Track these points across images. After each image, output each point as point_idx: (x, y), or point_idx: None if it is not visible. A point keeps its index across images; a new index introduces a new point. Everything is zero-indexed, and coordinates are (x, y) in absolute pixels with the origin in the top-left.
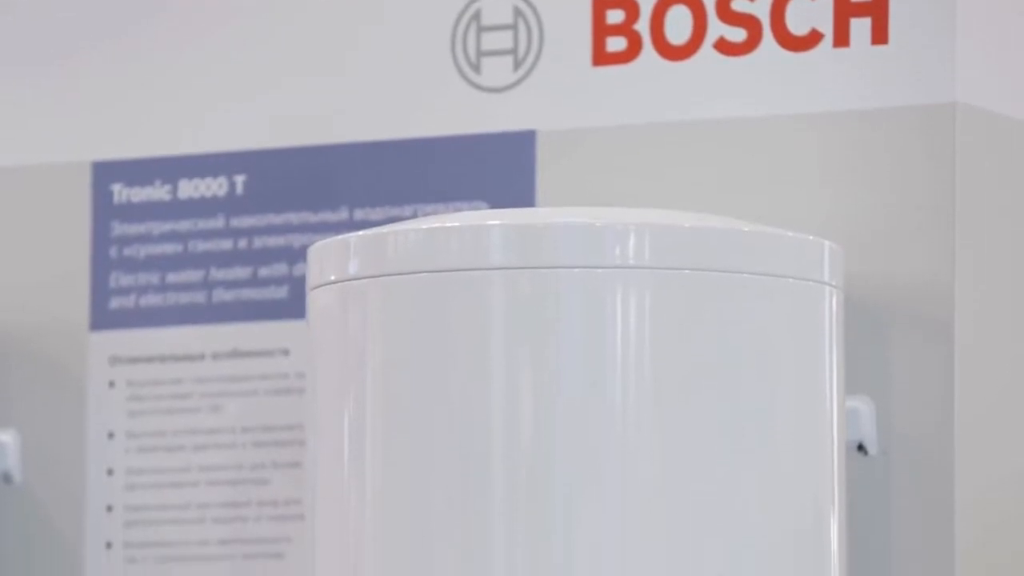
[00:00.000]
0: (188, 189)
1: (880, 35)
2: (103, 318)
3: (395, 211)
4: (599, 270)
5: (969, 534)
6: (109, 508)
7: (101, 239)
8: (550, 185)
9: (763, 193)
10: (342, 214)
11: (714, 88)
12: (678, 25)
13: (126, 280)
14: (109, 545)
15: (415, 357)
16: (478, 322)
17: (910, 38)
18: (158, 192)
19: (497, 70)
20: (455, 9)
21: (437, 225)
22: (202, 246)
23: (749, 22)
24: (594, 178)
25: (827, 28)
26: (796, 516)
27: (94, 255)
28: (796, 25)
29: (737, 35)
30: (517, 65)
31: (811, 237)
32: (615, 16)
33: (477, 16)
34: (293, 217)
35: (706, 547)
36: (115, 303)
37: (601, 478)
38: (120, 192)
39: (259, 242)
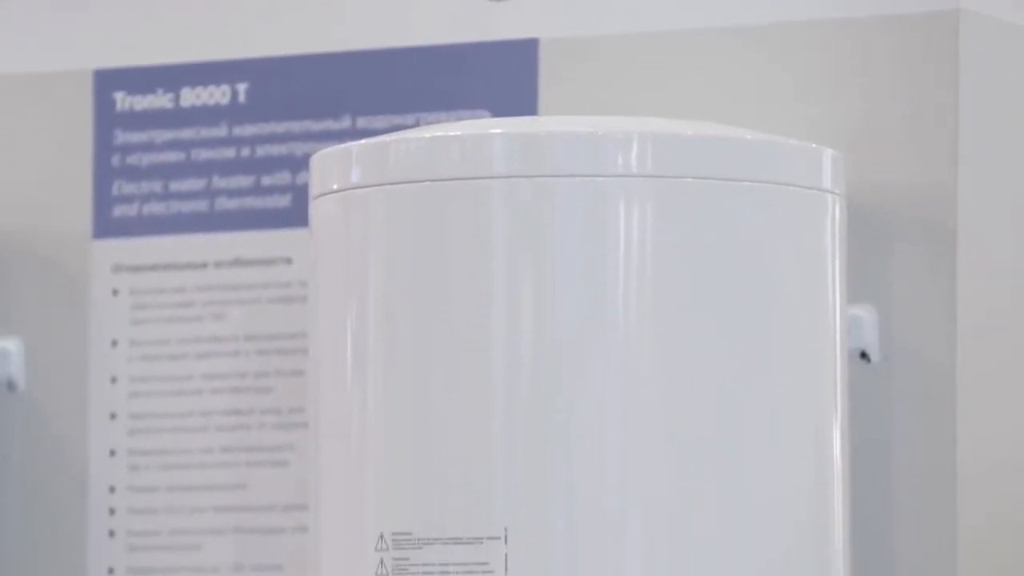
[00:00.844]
0: (191, 97)
1: None
2: (106, 226)
3: (398, 119)
4: (600, 179)
5: (971, 438)
6: (112, 416)
7: (103, 148)
8: (552, 94)
9: (766, 101)
10: (345, 122)
11: None
12: None
13: (129, 188)
14: (113, 452)
15: (417, 265)
16: (479, 230)
17: None
18: (160, 100)
19: None
20: None
21: (439, 134)
22: (205, 154)
23: None
24: (596, 87)
25: None
26: (799, 422)
27: (97, 164)
28: None
29: None
30: None
31: (813, 145)
32: None
33: None
34: (295, 125)
35: (708, 457)
36: (118, 211)
37: (601, 386)
38: (122, 100)
39: (262, 150)
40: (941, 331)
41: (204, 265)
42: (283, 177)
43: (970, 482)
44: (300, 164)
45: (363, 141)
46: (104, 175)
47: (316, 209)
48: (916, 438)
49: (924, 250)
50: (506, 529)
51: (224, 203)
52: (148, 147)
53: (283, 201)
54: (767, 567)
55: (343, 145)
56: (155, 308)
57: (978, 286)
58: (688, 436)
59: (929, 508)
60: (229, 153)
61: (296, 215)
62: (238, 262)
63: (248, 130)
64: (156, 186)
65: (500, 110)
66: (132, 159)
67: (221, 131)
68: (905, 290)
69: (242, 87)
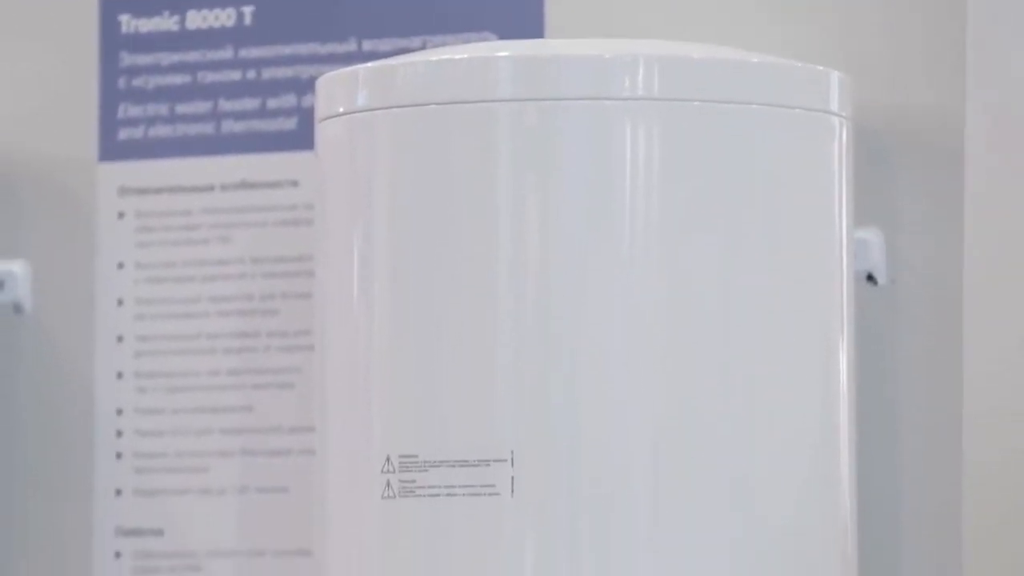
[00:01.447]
0: (196, 20)
1: None
2: (112, 149)
3: (403, 42)
4: (607, 102)
5: (977, 360)
6: (119, 338)
7: (109, 70)
8: (559, 16)
9: (773, 23)
10: (350, 45)
11: None
12: None
13: (135, 111)
14: (119, 375)
15: (422, 188)
16: (485, 154)
17: None
18: (166, 23)
19: None
20: None
21: (445, 57)
22: (210, 77)
23: None
24: (603, 9)
25: None
26: (805, 344)
27: (102, 86)
28: None
29: None
30: None
31: (820, 67)
32: None
33: None
34: (301, 48)
35: (713, 377)
36: (124, 134)
37: (607, 309)
38: (128, 23)
39: (267, 73)
40: (948, 254)
41: (210, 188)
42: (289, 100)
43: (976, 403)
44: (306, 87)
45: (369, 64)
46: (110, 98)
47: (322, 132)
48: (922, 360)
49: (931, 173)
50: (512, 452)
51: (230, 126)
52: (154, 70)
53: (289, 124)
54: (773, 486)
55: (349, 68)
56: (161, 231)
57: (985, 209)
58: (693, 358)
59: (935, 430)
60: (235, 76)
61: (302, 138)
62: (244, 185)
63: (254, 53)
64: (162, 109)
65: (506, 33)
66: (138, 82)
67: (227, 53)
68: (912, 213)
69: (248, 9)
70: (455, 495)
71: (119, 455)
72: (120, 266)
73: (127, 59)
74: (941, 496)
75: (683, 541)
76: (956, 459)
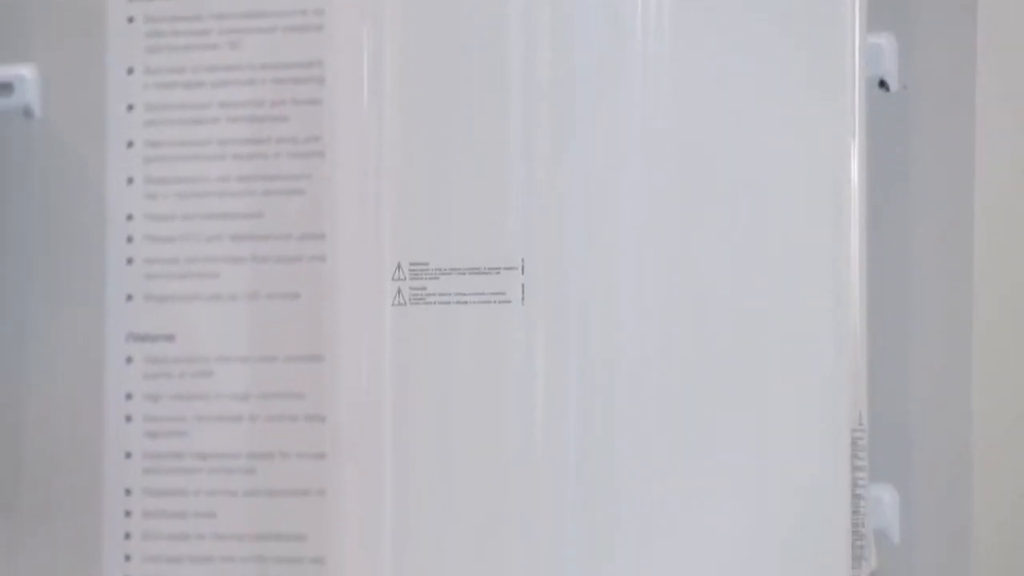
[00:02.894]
0: None
1: None
2: None
3: None
4: None
5: (988, 166)
6: (129, 144)
7: None
8: None
9: None
10: None
11: None
12: None
13: None
14: (130, 180)
15: None
16: None
17: None
18: None
19: None
20: None
21: None
22: None
23: None
24: None
25: None
26: (816, 150)
27: None
28: None
29: None
30: None
31: None
32: None
33: None
34: None
35: (723, 182)
36: None
37: (619, 121)
38: None
39: None
40: (961, 60)
41: None
42: None
43: (985, 199)
44: None
45: None
46: None
47: None
48: (935, 167)
49: None
50: (523, 259)
51: None
52: None
53: None
54: (779, 292)
55: None
56: (170, 36)
57: (1000, 15)
58: (704, 162)
59: (947, 235)
60: None
61: None
62: None
63: None
64: None
65: None
66: None
67: None
68: (926, 19)
69: None
70: (466, 303)
71: (130, 260)
72: (130, 71)
73: None
74: (950, 308)
75: (693, 351)
76: (968, 268)
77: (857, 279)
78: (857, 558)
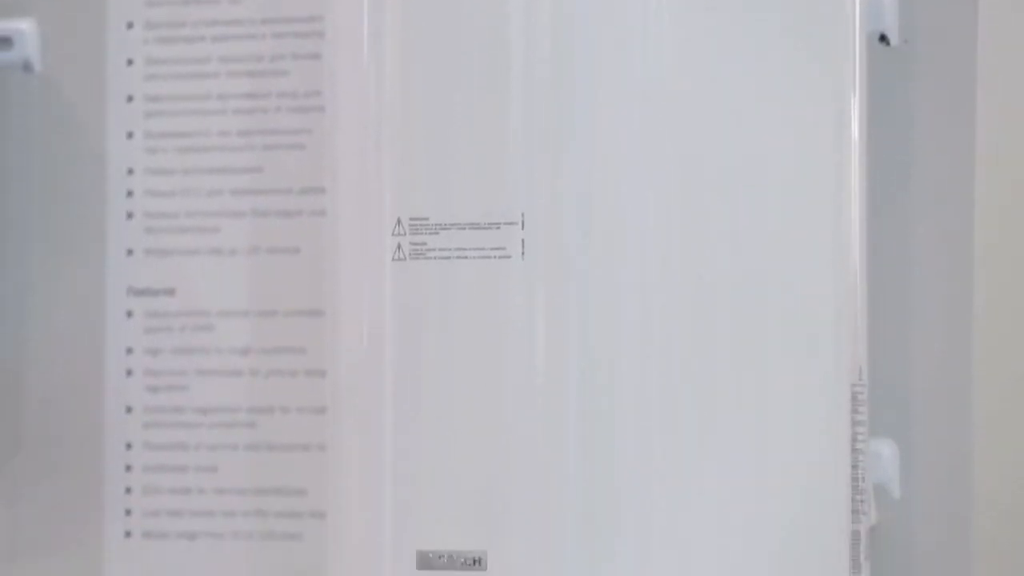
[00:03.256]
0: None
1: None
2: None
3: None
4: None
5: (989, 123)
6: (129, 98)
7: None
8: None
9: None
10: None
11: None
12: None
13: None
14: (130, 135)
15: None
16: None
17: None
18: None
19: None
20: None
21: None
22: None
23: None
24: None
25: None
26: (817, 103)
27: None
28: None
29: None
30: None
31: None
32: None
33: None
34: None
35: (724, 129)
36: None
37: (621, 71)
38: None
39: None
40: (963, 14)
41: None
42: None
43: (988, 159)
44: None
45: None
46: None
47: None
48: (935, 122)
49: None
50: (523, 214)
51: None
52: None
53: None
54: (779, 247)
55: None
56: None
57: None
58: (705, 112)
59: (947, 186)
60: None
61: None
62: None
63: None
64: None
65: None
66: None
67: None
68: None
69: None
70: (466, 257)
71: (130, 215)
72: (130, 25)
73: None
74: (952, 244)
75: (693, 305)
76: (968, 215)
77: (857, 234)
78: (857, 512)
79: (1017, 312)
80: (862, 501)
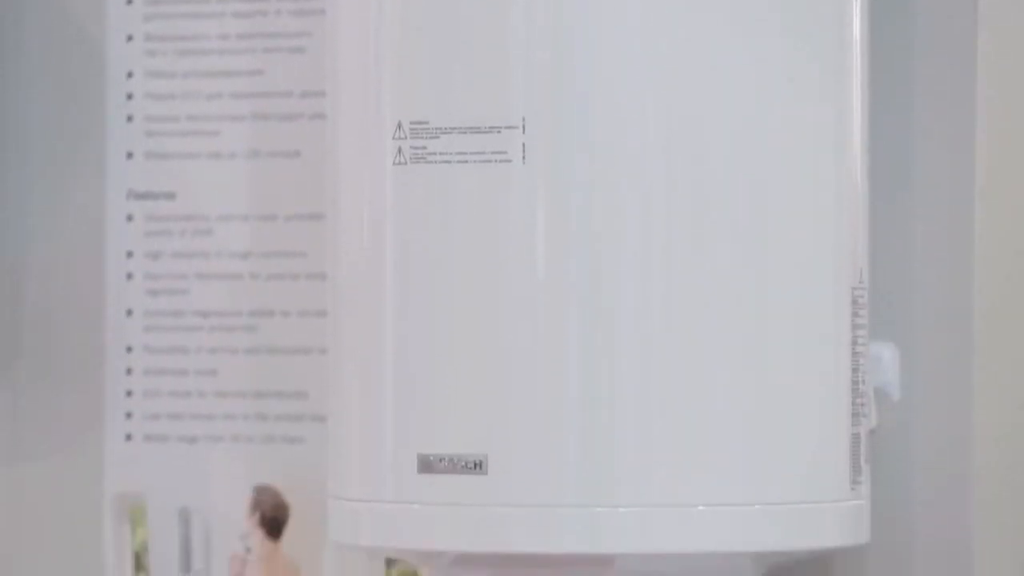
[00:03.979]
0: None
1: None
2: None
3: None
4: None
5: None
6: (129, 0)
7: None
8: None
9: None
10: None
11: None
12: None
13: None
14: (130, 38)
15: None
16: None
17: None
18: None
19: None
20: None
21: None
22: None
23: None
24: None
25: None
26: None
27: None
28: None
29: None
30: None
31: None
32: None
33: None
34: None
35: (719, 43)
36: None
37: None
38: None
39: None
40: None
41: None
42: None
43: (989, 78)
44: None
45: None
46: None
47: None
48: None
49: None
50: (524, 118)
51: None
52: None
53: None
54: (781, 148)
55: None
56: None
57: None
58: (705, 27)
59: (949, 94)
60: None
61: None
62: None
63: None
64: None
65: None
66: None
67: None
68: None
69: None
70: (467, 161)
71: (130, 118)
72: None
73: None
74: (953, 163)
75: (693, 207)
76: (970, 114)
77: (858, 136)
78: (857, 415)
79: (1020, 211)
80: (862, 404)
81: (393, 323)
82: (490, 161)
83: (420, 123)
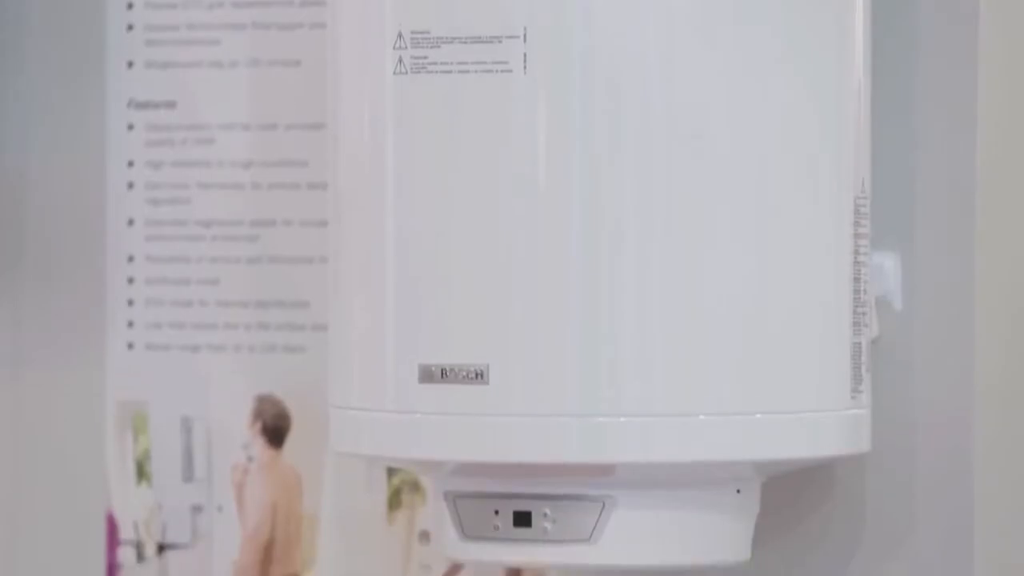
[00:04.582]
0: None
1: None
2: None
3: None
4: None
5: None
6: None
7: None
8: None
9: None
10: None
11: None
12: None
13: None
14: None
15: None
16: None
17: None
18: None
19: None
20: None
21: None
22: None
23: None
24: None
25: None
26: None
27: None
28: None
29: None
30: None
31: None
32: None
33: None
34: None
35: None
36: None
37: None
38: None
39: None
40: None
41: None
42: None
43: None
44: None
45: None
46: None
47: None
48: None
49: None
50: (525, 28)
51: None
52: None
53: None
54: (783, 56)
55: None
56: None
57: None
58: None
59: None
60: None
61: None
62: None
63: None
64: None
65: None
66: None
67: None
68: None
69: None
70: (468, 71)
71: (130, 27)
72: None
73: None
74: (955, 53)
75: (694, 116)
76: (972, 73)
77: (861, 43)
78: (858, 324)
79: (1022, 121)
80: (864, 313)
81: (394, 233)
82: (491, 71)
83: (421, 32)
